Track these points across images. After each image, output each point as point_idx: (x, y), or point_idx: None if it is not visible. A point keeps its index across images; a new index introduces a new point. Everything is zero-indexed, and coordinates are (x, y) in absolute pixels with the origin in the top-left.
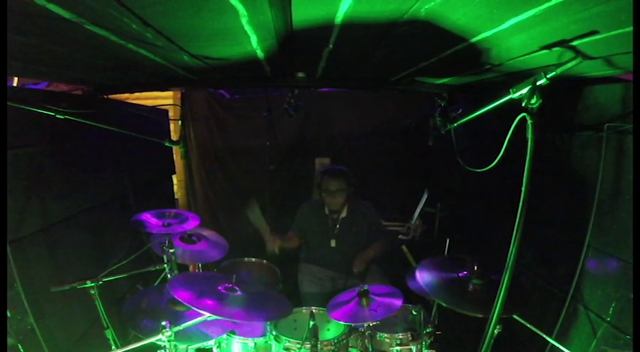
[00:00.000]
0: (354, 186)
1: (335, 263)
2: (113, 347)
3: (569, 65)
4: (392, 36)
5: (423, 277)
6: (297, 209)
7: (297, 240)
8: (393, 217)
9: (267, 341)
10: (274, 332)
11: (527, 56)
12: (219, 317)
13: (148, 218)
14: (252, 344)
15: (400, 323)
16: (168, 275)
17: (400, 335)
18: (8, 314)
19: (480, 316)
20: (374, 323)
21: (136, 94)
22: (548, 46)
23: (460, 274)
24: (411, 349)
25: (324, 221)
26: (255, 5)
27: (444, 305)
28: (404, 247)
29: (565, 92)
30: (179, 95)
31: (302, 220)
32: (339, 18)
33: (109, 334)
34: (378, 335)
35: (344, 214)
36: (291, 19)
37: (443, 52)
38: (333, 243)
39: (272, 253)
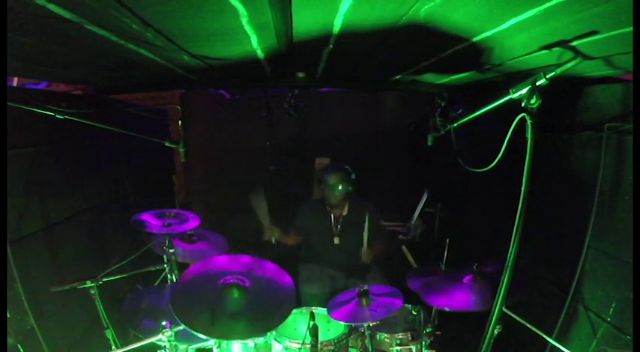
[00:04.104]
0: (353, 184)
1: (336, 261)
2: (113, 347)
3: (569, 65)
4: (392, 36)
5: (440, 301)
6: (297, 209)
7: (295, 239)
8: (393, 217)
9: (267, 341)
10: (274, 332)
11: (527, 56)
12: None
13: (148, 218)
14: (252, 344)
15: (400, 323)
16: (169, 276)
17: (400, 335)
18: (8, 314)
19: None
20: (374, 323)
21: (136, 94)
22: (548, 46)
23: (465, 280)
24: (411, 349)
25: (325, 219)
26: (255, 5)
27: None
28: (404, 247)
29: (565, 92)
30: (179, 95)
31: (303, 219)
32: (339, 18)
33: (109, 334)
34: (378, 335)
35: (345, 212)
36: (292, 20)
37: (443, 52)
38: (336, 241)
39: (268, 241)
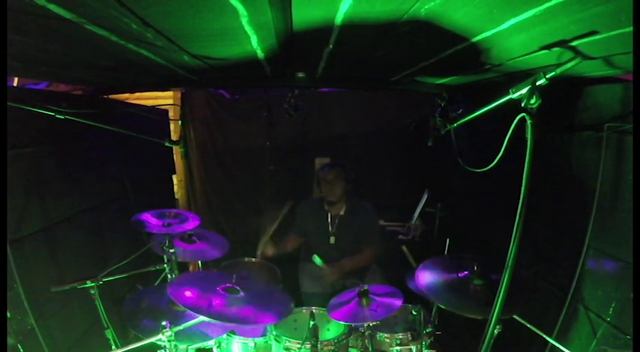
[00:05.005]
0: (351, 182)
1: (334, 261)
2: (113, 347)
3: (569, 65)
4: (392, 36)
5: (423, 278)
6: (295, 209)
7: (296, 242)
8: (393, 217)
9: (267, 341)
10: (274, 332)
11: (526, 56)
12: (223, 322)
13: (148, 218)
14: (252, 344)
15: (400, 323)
16: (169, 275)
17: (400, 335)
18: (8, 314)
19: (479, 318)
20: (374, 323)
21: (136, 94)
22: (548, 46)
23: (460, 274)
24: (411, 349)
25: (323, 218)
26: (255, 5)
27: (444, 307)
28: (404, 247)
29: (565, 92)
30: (179, 95)
31: (301, 218)
32: (339, 18)
33: (109, 334)
34: (378, 335)
35: (342, 212)
36: (292, 20)
37: (443, 52)
38: (332, 240)
39: (264, 253)
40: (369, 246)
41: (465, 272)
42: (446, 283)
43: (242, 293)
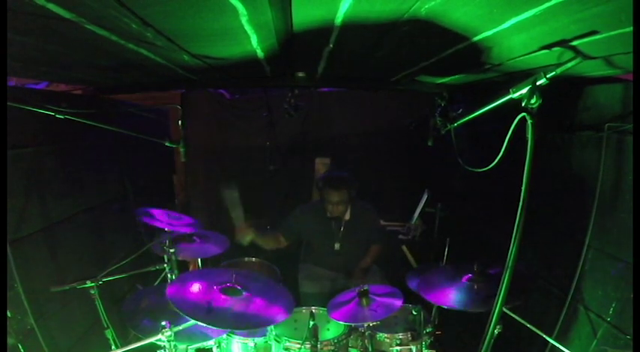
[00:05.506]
0: (355, 191)
1: (337, 264)
2: (113, 347)
3: (569, 65)
4: (392, 36)
5: (440, 300)
6: (291, 210)
7: (281, 241)
8: (393, 217)
9: (267, 341)
10: (274, 332)
11: (527, 56)
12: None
13: (157, 213)
14: (252, 344)
15: (400, 323)
16: (169, 275)
17: (400, 335)
18: (8, 314)
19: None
20: (374, 323)
21: (136, 94)
22: (548, 46)
23: (464, 280)
24: (411, 349)
25: (326, 224)
26: (255, 5)
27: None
28: (404, 247)
29: (565, 92)
30: (179, 95)
31: (300, 221)
32: (339, 18)
33: (109, 334)
34: (378, 335)
35: (347, 217)
36: (292, 19)
37: (443, 52)
38: (337, 246)
39: (239, 243)
40: (376, 243)
41: (468, 275)
42: (460, 292)
43: (245, 294)
